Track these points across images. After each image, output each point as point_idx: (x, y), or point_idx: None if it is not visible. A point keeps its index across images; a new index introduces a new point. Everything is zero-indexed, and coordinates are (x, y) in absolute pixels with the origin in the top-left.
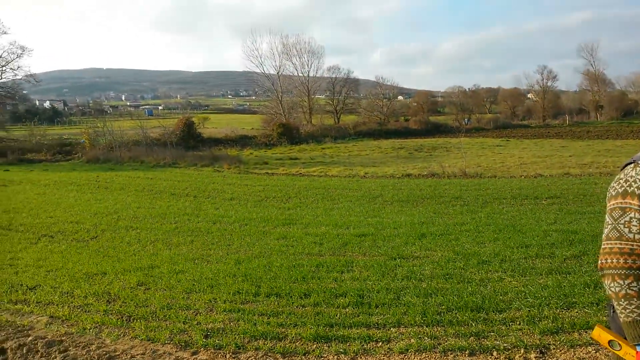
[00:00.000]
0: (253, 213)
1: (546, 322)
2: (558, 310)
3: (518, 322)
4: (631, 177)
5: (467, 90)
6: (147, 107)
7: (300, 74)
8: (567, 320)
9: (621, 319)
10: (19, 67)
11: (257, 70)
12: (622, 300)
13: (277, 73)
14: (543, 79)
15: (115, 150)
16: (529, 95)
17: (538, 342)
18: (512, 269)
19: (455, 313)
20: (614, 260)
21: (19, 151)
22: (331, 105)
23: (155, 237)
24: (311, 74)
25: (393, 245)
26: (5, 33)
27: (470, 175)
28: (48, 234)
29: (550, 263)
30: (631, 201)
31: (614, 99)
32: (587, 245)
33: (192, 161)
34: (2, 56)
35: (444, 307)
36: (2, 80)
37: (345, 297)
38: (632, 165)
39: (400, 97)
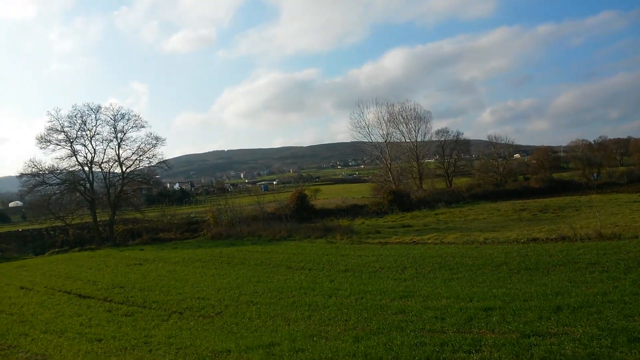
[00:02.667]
0: (368, 285)
1: None
2: None
3: None
4: None
5: (593, 142)
6: (263, 182)
7: (408, 140)
8: None
9: None
10: (153, 155)
11: (365, 140)
12: None
13: (385, 141)
14: None
15: (235, 226)
16: None
17: None
18: None
19: None
20: None
21: (153, 231)
22: (441, 168)
23: (275, 312)
24: (419, 139)
25: (525, 321)
26: (143, 127)
27: (607, 237)
28: (177, 311)
29: None
30: None
31: None
32: None
33: (306, 233)
34: (140, 147)
35: None
36: (139, 168)
37: None
38: None
39: (516, 155)
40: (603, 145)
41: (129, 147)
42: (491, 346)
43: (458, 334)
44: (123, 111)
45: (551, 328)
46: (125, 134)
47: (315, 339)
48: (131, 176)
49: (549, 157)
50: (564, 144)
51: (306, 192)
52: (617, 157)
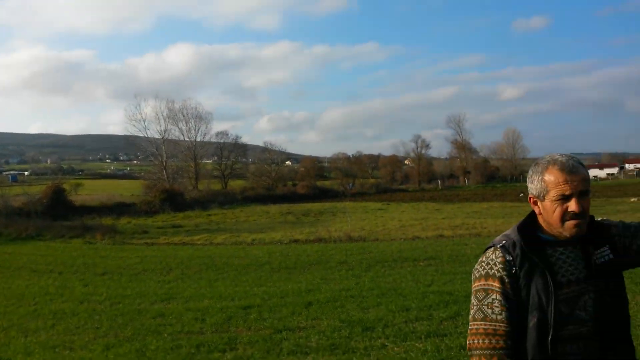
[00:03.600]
0: (128, 289)
1: None
2: None
3: None
4: (492, 260)
5: (351, 156)
6: (11, 172)
7: (187, 139)
8: None
9: None
10: None
11: (140, 135)
12: None
13: (162, 137)
14: (417, 147)
15: None
16: (406, 162)
17: None
18: (395, 334)
19: None
20: (480, 341)
21: None
22: (219, 170)
23: (9, 323)
24: (198, 139)
25: (280, 317)
26: None
27: (355, 239)
28: None
29: (429, 326)
30: (493, 283)
31: (479, 165)
32: (462, 306)
33: (60, 232)
34: None
35: None
36: None
37: None
38: (492, 248)
39: (288, 163)
40: (359, 159)
41: None
42: (246, 343)
43: (216, 334)
44: None
45: (301, 322)
46: None
47: (57, 351)
48: None
49: (315, 166)
50: (328, 155)
51: (65, 186)
52: (369, 170)
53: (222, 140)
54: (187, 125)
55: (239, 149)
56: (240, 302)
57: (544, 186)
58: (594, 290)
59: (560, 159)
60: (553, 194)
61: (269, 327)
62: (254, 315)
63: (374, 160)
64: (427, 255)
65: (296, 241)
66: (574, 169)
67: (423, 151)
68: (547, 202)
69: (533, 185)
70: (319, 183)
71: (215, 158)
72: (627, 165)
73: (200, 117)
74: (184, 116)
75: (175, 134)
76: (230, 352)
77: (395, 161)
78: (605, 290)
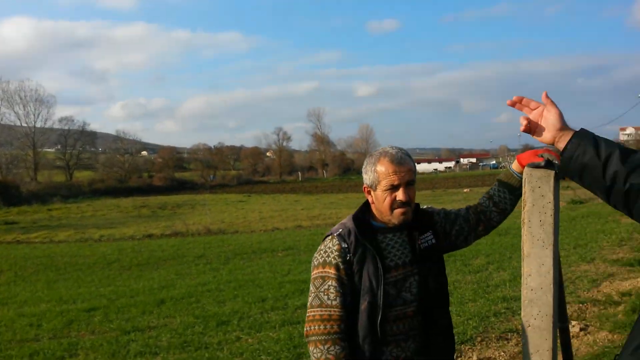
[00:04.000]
0: None
1: None
2: None
3: None
4: (329, 247)
5: (212, 147)
6: None
7: (24, 124)
8: None
9: None
10: None
11: None
12: None
13: None
14: (279, 140)
15: None
16: (268, 154)
17: None
18: (250, 326)
19: None
20: (316, 327)
21: None
22: (62, 160)
23: None
24: (38, 125)
25: (128, 317)
26: None
27: (214, 232)
28: None
29: (284, 315)
30: (329, 270)
31: (337, 158)
32: None
33: None
34: None
35: None
36: None
37: None
38: (330, 237)
39: (144, 153)
40: (220, 150)
41: None
42: (88, 348)
43: (54, 340)
44: None
45: (152, 322)
46: None
47: None
48: None
49: (174, 157)
50: (188, 146)
51: None
52: (231, 162)
53: (66, 127)
54: (24, 109)
55: (87, 137)
56: (84, 304)
57: (376, 177)
58: (419, 273)
59: (390, 151)
60: (384, 184)
61: (116, 329)
62: (99, 317)
63: (236, 151)
64: (286, 245)
65: (150, 236)
66: (402, 160)
67: (284, 143)
68: (379, 192)
69: (367, 176)
70: (178, 175)
71: (59, 147)
72: (462, 160)
73: (41, 101)
74: (21, 99)
75: (10, 118)
76: (69, 358)
77: (257, 153)
78: (428, 273)
